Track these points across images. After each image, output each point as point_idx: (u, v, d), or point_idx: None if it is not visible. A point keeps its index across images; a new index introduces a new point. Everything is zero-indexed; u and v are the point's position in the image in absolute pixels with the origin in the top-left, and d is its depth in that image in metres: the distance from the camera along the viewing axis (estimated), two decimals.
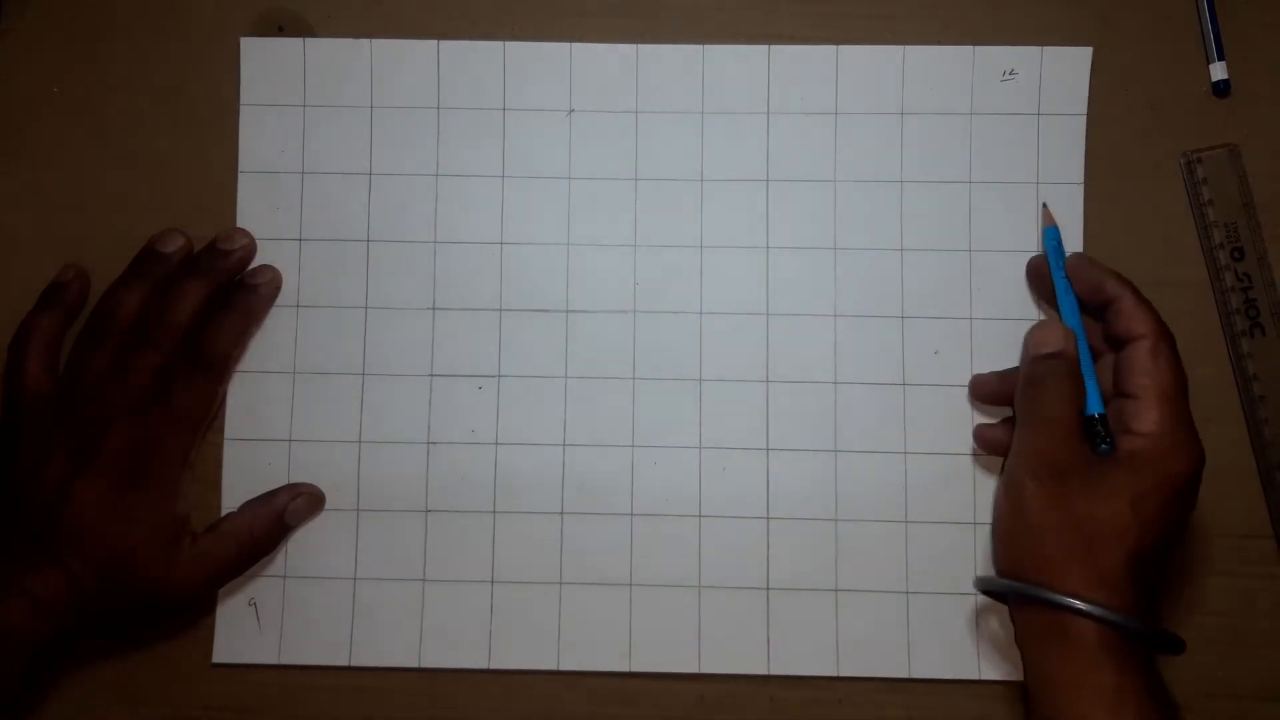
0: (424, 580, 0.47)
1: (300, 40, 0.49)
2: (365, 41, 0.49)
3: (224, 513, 0.47)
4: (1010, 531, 0.42)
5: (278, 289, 0.48)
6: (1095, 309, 0.44)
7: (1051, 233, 0.46)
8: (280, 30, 0.49)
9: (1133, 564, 0.39)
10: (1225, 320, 0.47)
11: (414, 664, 0.46)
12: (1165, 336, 0.42)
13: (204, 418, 0.46)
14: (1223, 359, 0.47)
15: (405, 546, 0.47)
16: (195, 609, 0.47)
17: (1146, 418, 0.40)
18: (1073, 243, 0.47)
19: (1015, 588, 0.41)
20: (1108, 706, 0.38)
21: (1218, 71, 0.47)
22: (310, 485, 0.47)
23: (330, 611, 0.47)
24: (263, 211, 0.48)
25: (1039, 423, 0.42)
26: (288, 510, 0.46)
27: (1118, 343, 0.42)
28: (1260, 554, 0.46)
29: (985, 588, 0.43)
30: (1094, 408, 0.42)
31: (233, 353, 0.47)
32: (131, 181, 0.49)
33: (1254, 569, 0.46)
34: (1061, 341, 0.42)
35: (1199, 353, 0.47)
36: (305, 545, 0.47)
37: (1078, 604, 0.39)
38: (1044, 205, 0.47)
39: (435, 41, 0.49)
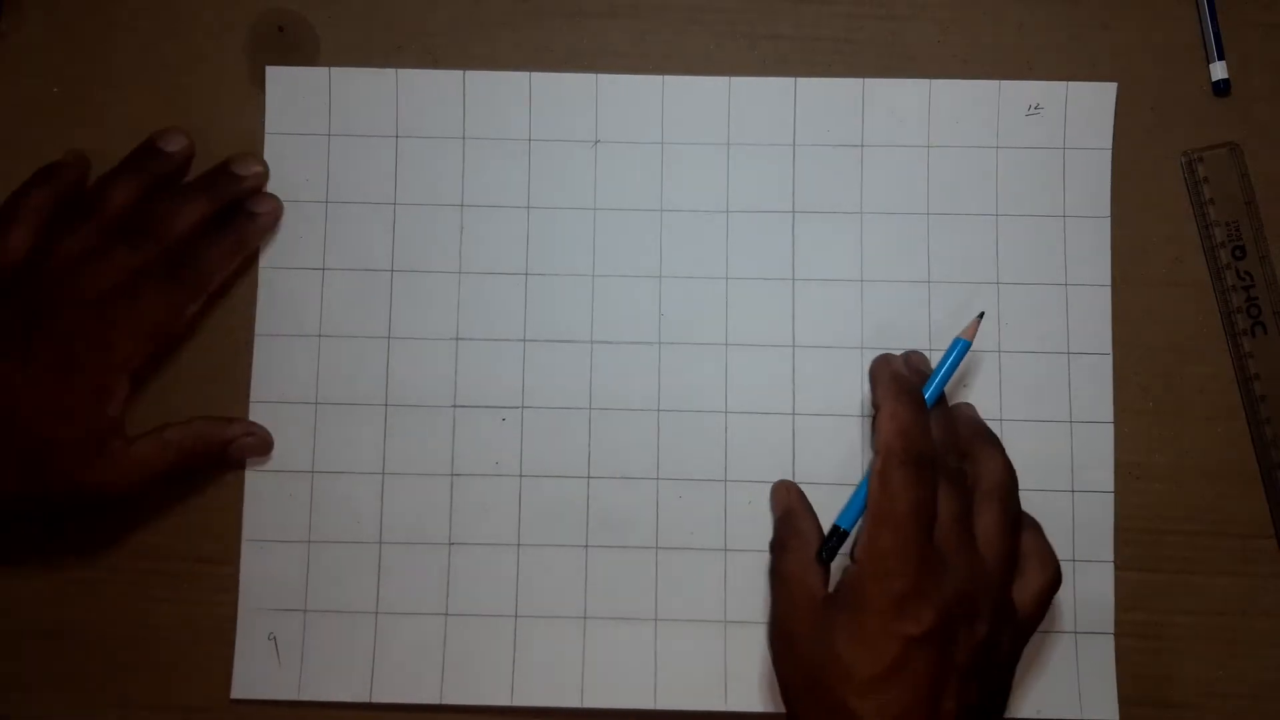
0: (446, 614, 0.46)
1: (325, 70, 0.48)
2: (391, 71, 0.48)
3: (243, 537, 0.47)
4: (781, 693, 0.42)
5: (277, 220, 0.47)
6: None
7: (963, 345, 0.44)
8: (280, 30, 0.49)
9: (866, 699, 0.38)
10: (1226, 319, 0.47)
11: (436, 700, 0.46)
12: (891, 457, 0.40)
13: (165, 331, 0.45)
14: (1224, 358, 0.47)
15: (428, 580, 0.47)
16: (124, 507, 0.46)
17: (860, 540, 0.40)
18: (1101, 274, 0.47)
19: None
20: None
21: (1218, 71, 0.47)
22: (263, 429, 0.47)
23: (351, 646, 0.46)
24: (286, 239, 0.48)
25: (774, 585, 0.43)
26: (234, 443, 0.46)
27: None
28: (1260, 554, 0.46)
29: None
30: (840, 520, 0.42)
31: (217, 275, 0.46)
32: None
33: (1254, 569, 0.46)
34: (784, 500, 0.45)
35: (1199, 352, 0.47)
36: (326, 578, 0.47)
37: None
38: (980, 316, 0.45)
39: (461, 72, 0.48)
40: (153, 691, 0.47)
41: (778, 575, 0.43)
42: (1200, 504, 0.47)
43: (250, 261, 0.48)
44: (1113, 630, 0.46)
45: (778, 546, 0.44)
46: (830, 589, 0.41)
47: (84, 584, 0.47)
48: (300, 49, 0.49)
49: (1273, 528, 0.46)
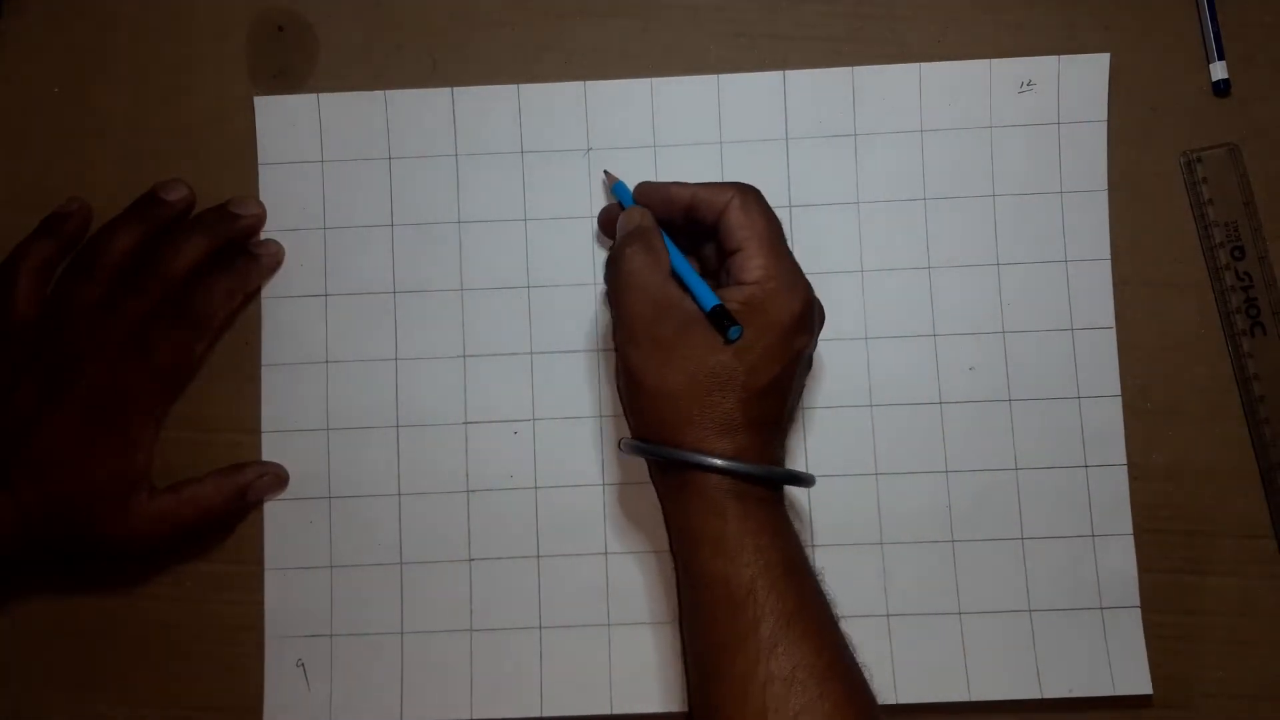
0: (471, 630, 0.47)
1: (314, 96, 0.48)
2: (380, 93, 0.48)
3: (265, 565, 0.47)
4: (631, 399, 0.43)
5: (279, 263, 0.48)
6: (689, 224, 0.44)
7: (620, 187, 0.46)
8: (280, 30, 0.49)
9: (748, 408, 0.40)
10: (1225, 320, 0.47)
11: (466, 715, 0.46)
12: (748, 191, 0.43)
13: (179, 373, 0.46)
14: (1223, 359, 0.47)
15: (451, 597, 0.47)
16: (143, 562, 0.47)
17: (752, 265, 0.41)
18: (1100, 248, 0.47)
19: (640, 450, 0.42)
20: (727, 553, 0.39)
21: (1218, 71, 0.47)
22: (276, 465, 0.47)
23: (379, 667, 0.47)
24: (287, 268, 0.48)
25: (628, 291, 0.42)
26: (251, 486, 0.47)
27: (717, 225, 0.43)
28: (1260, 554, 0.46)
29: (625, 452, 0.44)
30: (708, 303, 0.41)
31: (220, 314, 0.47)
32: (132, 181, 0.48)
33: (1254, 569, 0.46)
34: (637, 218, 0.44)
35: (1199, 352, 0.47)
36: (350, 602, 0.47)
37: (688, 456, 0.40)
38: (605, 171, 0.47)
39: (449, 90, 0.48)
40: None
41: (635, 286, 0.42)
42: (1200, 504, 0.47)
43: (254, 295, 0.48)
44: (1138, 604, 0.46)
45: (634, 255, 0.42)
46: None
47: (108, 620, 0.48)
48: (300, 49, 0.49)
49: (1272, 528, 0.46)
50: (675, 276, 0.42)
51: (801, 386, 0.44)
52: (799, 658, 0.37)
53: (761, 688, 0.37)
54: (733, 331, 0.40)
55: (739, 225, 0.42)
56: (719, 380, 0.40)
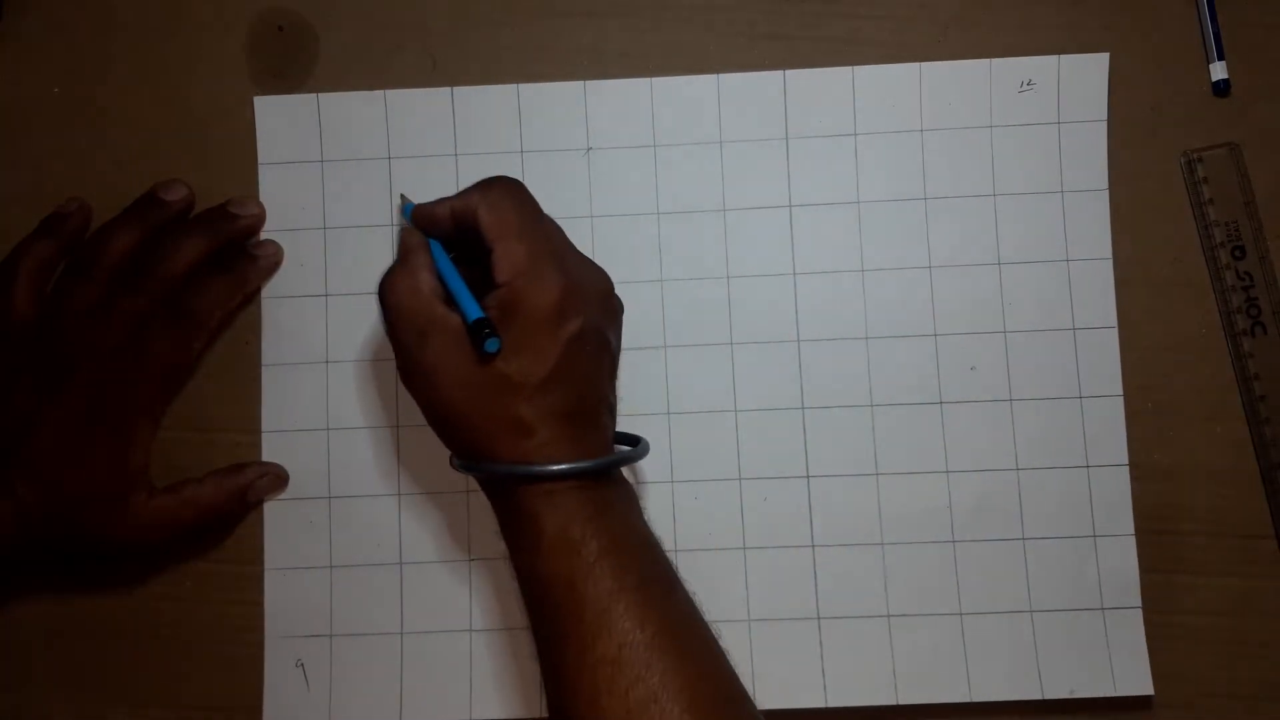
0: (470, 630, 0.47)
1: (314, 96, 0.48)
2: (379, 93, 0.48)
3: (265, 565, 0.47)
4: (434, 423, 0.42)
5: (277, 264, 0.48)
6: (467, 238, 0.43)
7: (410, 209, 0.44)
8: (280, 30, 0.49)
9: (536, 406, 0.39)
10: (1226, 319, 0.47)
11: (465, 716, 0.46)
12: (493, 187, 0.41)
13: (176, 373, 0.47)
14: (1223, 358, 0.47)
15: (450, 597, 0.47)
16: (143, 562, 0.47)
17: (502, 265, 0.40)
18: (1101, 248, 0.47)
19: (461, 468, 0.41)
20: (542, 552, 0.38)
21: (1218, 71, 0.47)
22: (276, 465, 0.47)
23: (379, 668, 0.47)
24: (287, 268, 0.48)
25: (391, 323, 0.41)
26: (251, 487, 0.47)
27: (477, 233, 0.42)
28: (1260, 554, 0.46)
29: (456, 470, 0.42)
30: (472, 314, 0.39)
31: (216, 313, 0.47)
32: (132, 181, 0.48)
33: (1254, 569, 0.46)
34: (405, 240, 0.43)
35: (1199, 352, 0.47)
36: (350, 602, 0.47)
37: (490, 467, 0.39)
38: (400, 195, 0.47)
39: (449, 89, 0.48)
40: None
41: (397, 315, 0.41)
42: (1200, 504, 0.47)
43: (253, 296, 0.48)
44: (1140, 604, 0.46)
45: (392, 284, 0.41)
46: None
47: (108, 620, 0.48)
48: (300, 49, 0.49)
49: (1273, 528, 0.46)
50: (445, 289, 0.41)
51: (607, 367, 0.42)
52: (622, 636, 0.36)
53: (591, 671, 0.36)
54: (490, 344, 0.39)
55: (487, 226, 0.41)
56: (493, 388, 0.39)
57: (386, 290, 0.41)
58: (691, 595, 0.40)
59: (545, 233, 0.41)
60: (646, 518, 0.41)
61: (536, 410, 0.39)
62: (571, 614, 0.37)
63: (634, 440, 0.43)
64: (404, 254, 0.42)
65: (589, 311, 0.40)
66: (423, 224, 0.43)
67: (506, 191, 0.42)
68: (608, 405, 0.42)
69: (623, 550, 0.38)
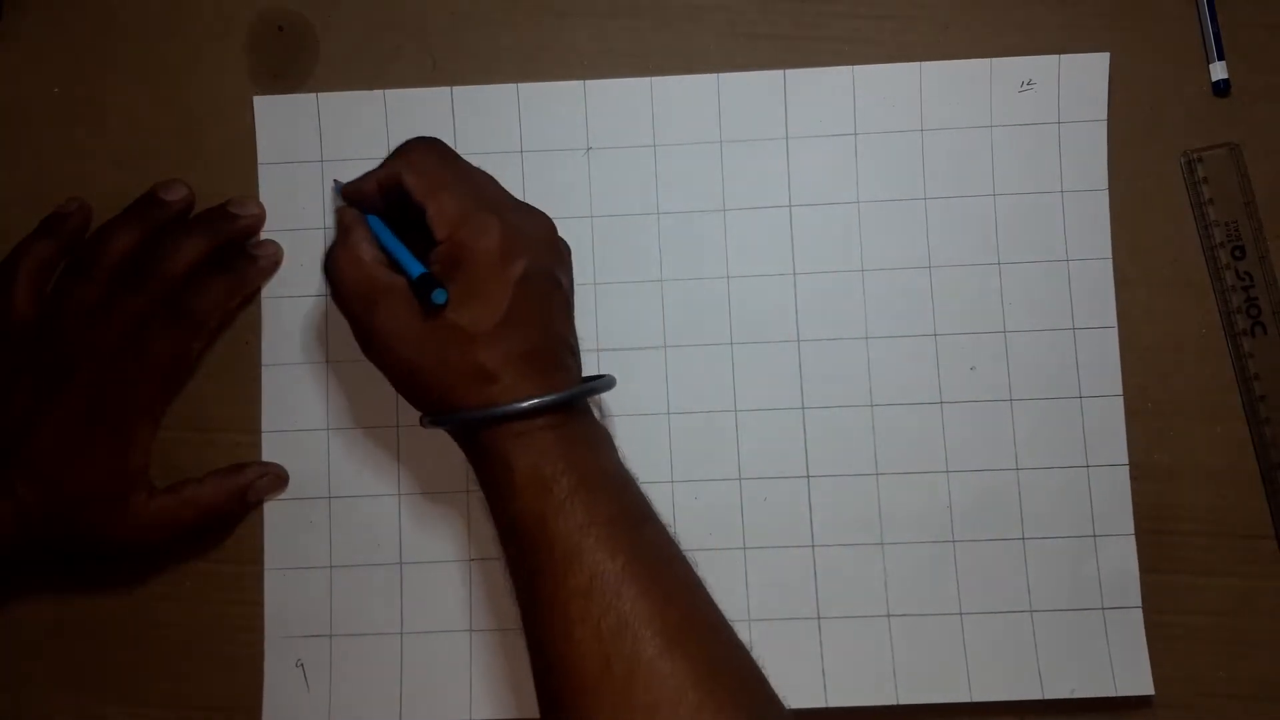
0: (470, 630, 0.47)
1: (314, 96, 0.48)
2: (379, 93, 0.48)
3: (265, 565, 0.47)
4: (399, 386, 0.42)
5: (277, 264, 0.48)
6: (398, 206, 0.43)
7: (338, 188, 0.45)
8: (280, 30, 0.49)
9: (494, 350, 0.39)
10: (1226, 320, 0.47)
11: (465, 716, 0.46)
12: (413, 150, 0.42)
13: (176, 373, 0.47)
14: (1223, 358, 0.47)
15: (450, 597, 0.47)
16: (143, 562, 0.47)
17: (438, 221, 0.41)
18: (1101, 248, 0.47)
19: (430, 423, 0.41)
20: (514, 493, 0.38)
21: (1218, 71, 0.47)
22: (276, 465, 0.47)
23: (379, 668, 0.47)
24: (287, 268, 0.48)
25: (338, 298, 0.42)
26: (251, 487, 0.47)
27: (408, 197, 0.42)
28: (1260, 554, 0.46)
29: (425, 427, 0.42)
30: (415, 272, 0.40)
31: (216, 313, 0.47)
32: (132, 181, 0.48)
33: (1254, 569, 0.46)
34: (339, 219, 0.43)
35: (1199, 352, 0.47)
36: (350, 602, 0.47)
37: (456, 416, 0.39)
38: (334, 180, 0.47)
39: (449, 89, 0.48)
40: None
41: (342, 289, 0.42)
42: (1200, 504, 0.47)
43: (253, 296, 0.48)
44: (1140, 604, 0.46)
45: (333, 259, 0.42)
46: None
47: (108, 620, 0.48)
48: (300, 49, 0.49)
49: (1273, 528, 0.46)
50: (389, 256, 0.42)
51: (560, 306, 0.42)
52: (593, 568, 0.36)
53: (564, 605, 0.36)
54: (437, 296, 0.39)
55: (414, 187, 0.41)
56: (449, 340, 0.39)
57: (330, 267, 0.42)
58: (668, 528, 0.40)
59: (475, 183, 0.42)
60: (621, 456, 0.41)
61: (495, 356, 0.39)
62: (544, 549, 0.37)
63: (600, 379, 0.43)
64: (342, 231, 0.43)
65: (533, 253, 0.41)
66: (354, 199, 0.44)
67: (427, 150, 0.42)
68: (567, 346, 0.42)
69: (594, 486, 0.39)
